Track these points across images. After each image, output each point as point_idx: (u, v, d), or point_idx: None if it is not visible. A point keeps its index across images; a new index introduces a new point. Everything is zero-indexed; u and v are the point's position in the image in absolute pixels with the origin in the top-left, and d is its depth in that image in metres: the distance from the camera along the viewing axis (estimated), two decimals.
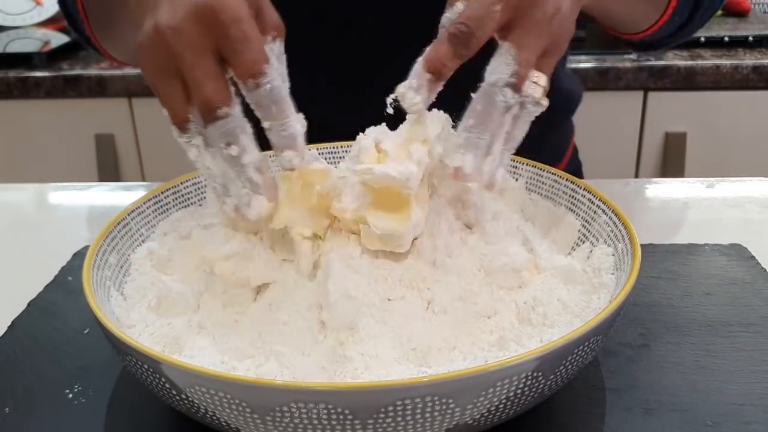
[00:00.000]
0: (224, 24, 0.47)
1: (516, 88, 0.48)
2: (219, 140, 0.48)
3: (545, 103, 0.50)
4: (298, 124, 0.49)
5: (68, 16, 0.79)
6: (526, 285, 0.53)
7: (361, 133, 0.54)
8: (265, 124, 0.49)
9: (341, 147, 0.68)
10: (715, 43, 1.53)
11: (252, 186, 0.49)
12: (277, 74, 0.48)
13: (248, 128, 0.49)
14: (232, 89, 0.48)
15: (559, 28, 0.50)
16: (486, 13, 0.48)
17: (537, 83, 0.50)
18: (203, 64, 0.47)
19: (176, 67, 0.48)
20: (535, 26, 0.49)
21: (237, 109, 0.48)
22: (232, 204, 0.50)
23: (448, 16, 0.50)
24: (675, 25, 0.74)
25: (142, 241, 0.57)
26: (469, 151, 0.49)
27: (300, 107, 0.50)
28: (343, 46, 0.79)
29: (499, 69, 0.49)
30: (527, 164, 0.63)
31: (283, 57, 0.52)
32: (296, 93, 0.51)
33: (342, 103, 0.76)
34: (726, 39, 1.52)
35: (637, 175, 1.58)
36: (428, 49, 0.49)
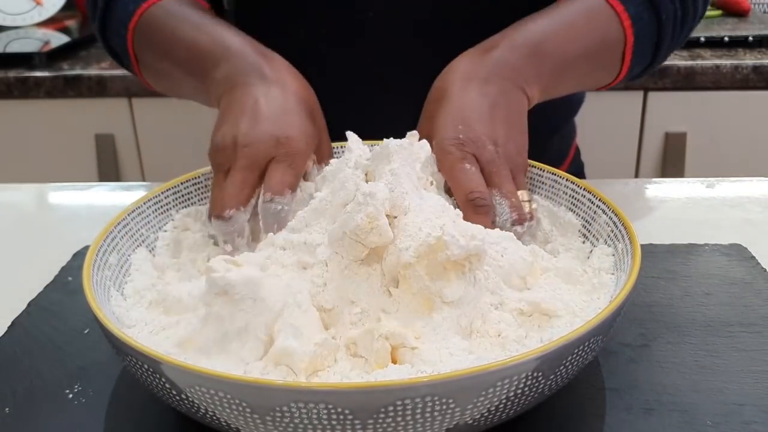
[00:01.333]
0: (285, 154, 0.57)
1: (520, 219, 0.56)
2: (218, 235, 0.57)
3: (535, 207, 0.59)
4: (281, 240, 0.54)
5: (111, 51, 0.79)
6: (529, 287, 0.53)
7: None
8: (261, 236, 0.56)
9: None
10: (715, 43, 1.53)
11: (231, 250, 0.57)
12: (292, 204, 0.56)
13: (246, 233, 0.57)
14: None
15: (508, 154, 0.58)
16: (469, 177, 0.56)
17: (526, 200, 0.58)
18: (247, 173, 0.56)
19: (230, 167, 0.57)
20: (492, 164, 0.57)
21: (243, 216, 0.56)
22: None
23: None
24: (639, 69, 0.74)
25: (142, 241, 0.58)
26: None
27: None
28: (354, 44, 0.79)
29: (497, 214, 0.57)
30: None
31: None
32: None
33: (354, 102, 0.76)
34: (726, 39, 1.52)
35: (637, 175, 1.58)
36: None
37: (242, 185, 0.56)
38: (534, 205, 0.59)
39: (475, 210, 0.55)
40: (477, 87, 0.60)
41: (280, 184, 0.56)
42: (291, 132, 0.58)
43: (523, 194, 0.58)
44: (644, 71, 0.76)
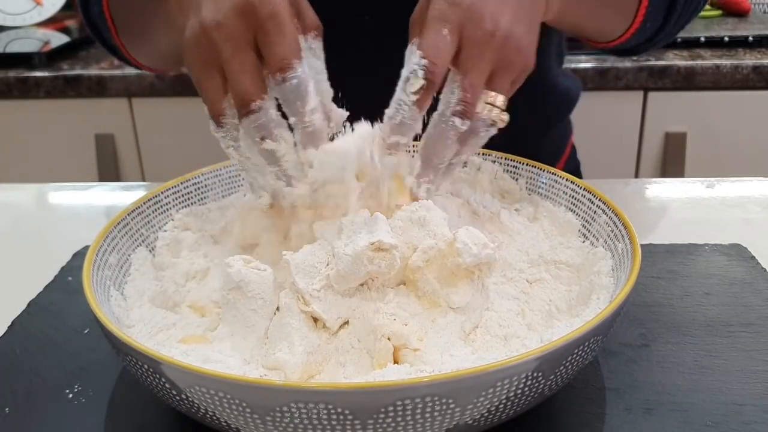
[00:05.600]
0: (262, 18, 0.49)
1: (464, 114, 0.50)
2: (254, 134, 0.50)
3: (503, 120, 0.52)
4: (323, 121, 0.51)
5: (91, 25, 0.78)
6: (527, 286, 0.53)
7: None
8: (291, 120, 0.50)
9: None
10: (715, 43, 1.52)
11: (286, 179, 0.51)
12: (307, 71, 0.50)
13: (282, 122, 0.50)
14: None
15: (504, 46, 0.50)
16: (439, 40, 0.49)
17: (492, 104, 0.51)
18: (241, 57, 0.49)
19: (217, 61, 0.50)
20: (475, 47, 0.49)
21: (270, 103, 0.50)
22: (267, 198, 0.53)
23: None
24: (650, 31, 0.72)
25: (142, 241, 0.58)
26: (425, 177, 0.52)
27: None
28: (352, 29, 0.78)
29: (446, 97, 0.50)
30: (527, 164, 0.63)
31: (322, 55, 0.54)
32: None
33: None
34: (726, 39, 1.52)
35: (637, 175, 1.58)
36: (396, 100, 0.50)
37: (247, 70, 0.49)
38: (504, 117, 0.52)
39: (423, 73, 0.48)
40: None
41: (282, 57, 0.49)
42: None
43: (495, 98, 0.51)
44: (654, 37, 0.73)
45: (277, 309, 0.48)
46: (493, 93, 0.51)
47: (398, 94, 0.50)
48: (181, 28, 0.55)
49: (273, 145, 0.50)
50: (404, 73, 0.49)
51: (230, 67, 0.49)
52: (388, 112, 0.50)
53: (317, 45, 0.54)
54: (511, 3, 0.51)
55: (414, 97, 0.49)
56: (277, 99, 0.50)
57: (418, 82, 0.48)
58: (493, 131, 0.52)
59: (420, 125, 0.50)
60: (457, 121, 0.50)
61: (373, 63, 0.77)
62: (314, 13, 0.55)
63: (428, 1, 0.51)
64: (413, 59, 0.49)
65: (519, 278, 0.54)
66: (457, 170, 0.55)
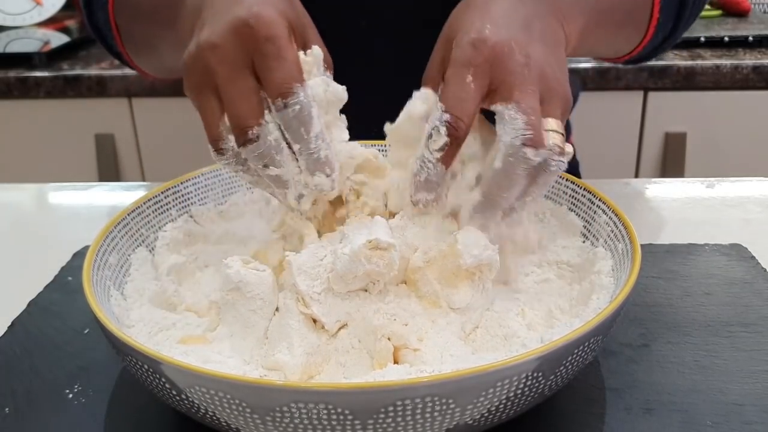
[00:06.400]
0: (259, 40, 0.47)
1: (535, 142, 0.45)
2: (255, 162, 0.48)
3: (570, 150, 0.47)
4: (328, 148, 0.48)
5: (97, 30, 0.77)
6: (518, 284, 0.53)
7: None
8: (295, 147, 0.48)
9: None
10: (715, 43, 1.52)
11: (299, 199, 0.50)
12: (309, 94, 0.48)
13: (283, 146, 0.48)
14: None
15: (541, 74, 0.47)
16: (461, 90, 0.46)
17: (555, 130, 0.46)
18: (237, 81, 0.47)
19: (213, 84, 0.48)
20: (516, 77, 0.46)
21: (270, 127, 0.47)
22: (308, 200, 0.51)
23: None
24: (659, 40, 0.72)
25: (142, 241, 0.58)
26: (482, 213, 0.48)
27: None
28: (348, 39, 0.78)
29: (507, 132, 0.45)
30: None
31: (330, 78, 0.52)
32: None
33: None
34: (726, 39, 1.52)
35: (637, 175, 1.58)
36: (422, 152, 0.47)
37: (244, 95, 0.47)
38: (569, 149, 0.47)
39: (445, 131, 0.46)
40: (509, 4, 0.50)
41: (282, 81, 0.47)
42: (257, 9, 0.47)
43: (552, 123, 0.46)
44: (662, 44, 0.73)
45: (277, 309, 0.48)
46: (549, 119, 0.47)
47: (422, 150, 0.47)
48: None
49: (277, 171, 0.48)
50: (427, 128, 0.47)
51: (226, 92, 0.47)
52: (412, 168, 0.48)
53: (321, 70, 0.52)
54: (536, 38, 0.49)
55: (438, 155, 0.46)
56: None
57: (441, 139, 0.46)
58: (563, 165, 0.47)
59: (447, 181, 0.47)
60: (530, 152, 0.45)
61: (368, 64, 0.77)
62: (317, 32, 0.53)
63: (446, 40, 0.49)
64: (435, 114, 0.46)
65: (520, 278, 0.54)
66: (518, 217, 0.50)
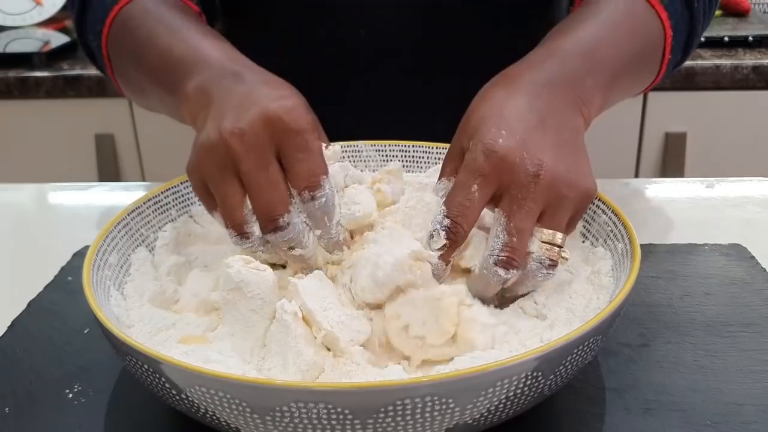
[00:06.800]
0: (290, 132, 0.48)
1: (508, 264, 0.46)
2: (281, 245, 0.49)
3: (565, 258, 0.48)
4: (345, 231, 0.51)
5: (86, 47, 0.74)
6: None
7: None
8: (316, 232, 0.50)
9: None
10: (715, 43, 1.52)
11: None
12: (333, 184, 0.50)
13: (306, 229, 0.50)
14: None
15: (553, 185, 0.47)
16: (465, 198, 0.47)
17: (550, 242, 0.47)
18: (266, 169, 0.48)
19: (236, 170, 0.49)
20: (518, 190, 0.47)
21: (295, 214, 0.49)
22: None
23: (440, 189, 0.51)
24: (670, 70, 0.70)
25: (142, 241, 0.58)
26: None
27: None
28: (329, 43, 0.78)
29: (492, 241, 0.47)
30: None
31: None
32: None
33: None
34: (726, 39, 1.52)
35: (637, 175, 1.57)
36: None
37: (273, 184, 0.48)
38: (565, 255, 0.48)
39: (445, 234, 0.47)
40: (525, 101, 0.51)
41: (311, 174, 0.48)
42: (290, 103, 0.50)
43: (552, 236, 0.48)
44: (671, 70, 0.71)
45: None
46: (549, 231, 0.47)
47: (424, 245, 0.49)
48: (182, 118, 0.56)
49: (302, 251, 0.50)
50: (430, 226, 0.48)
51: (254, 179, 0.48)
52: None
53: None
54: (550, 138, 0.49)
55: (438, 253, 0.47)
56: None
57: (441, 242, 0.47)
58: (552, 275, 0.48)
59: (447, 273, 0.49)
60: (501, 271, 0.46)
61: (367, 76, 0.77)
62: (324, 135, 0.54)
63: (463, 132, 0.50)
64: (438, 217, 0.48)
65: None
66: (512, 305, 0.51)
